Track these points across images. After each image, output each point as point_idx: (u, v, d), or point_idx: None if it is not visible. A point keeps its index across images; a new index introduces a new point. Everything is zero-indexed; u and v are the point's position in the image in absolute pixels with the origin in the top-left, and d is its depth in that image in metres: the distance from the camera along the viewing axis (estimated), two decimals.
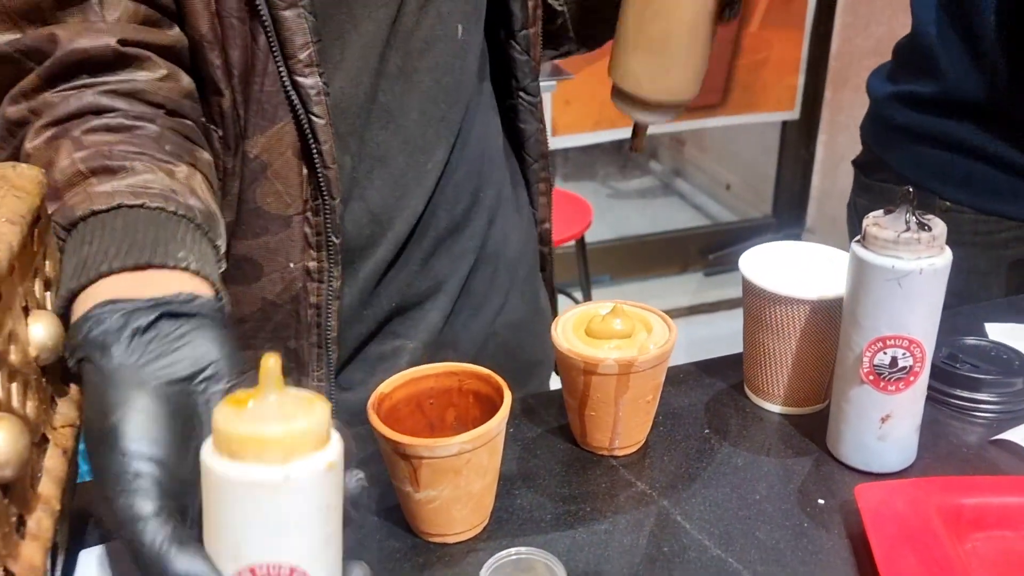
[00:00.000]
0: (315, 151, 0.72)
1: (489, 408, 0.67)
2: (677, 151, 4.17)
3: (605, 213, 3.74)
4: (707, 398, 0.85)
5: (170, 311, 0.49)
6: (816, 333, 0.77)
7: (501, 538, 0.69)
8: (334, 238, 0.76)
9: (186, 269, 0.53)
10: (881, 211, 0.69)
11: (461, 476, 0.64)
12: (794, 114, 3.24)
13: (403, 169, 0.81)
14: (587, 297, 2.64)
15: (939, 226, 0.66)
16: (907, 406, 0.71)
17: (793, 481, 0.73)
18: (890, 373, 0.69)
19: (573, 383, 0.74)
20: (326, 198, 0.74)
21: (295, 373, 0.81)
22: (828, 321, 0.77)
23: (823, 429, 0.77)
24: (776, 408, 0.82)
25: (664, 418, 0.82)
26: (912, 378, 0.69)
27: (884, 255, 0.66)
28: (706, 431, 0.80)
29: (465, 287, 0.90)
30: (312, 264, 0.77)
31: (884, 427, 0.72)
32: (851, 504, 0.69)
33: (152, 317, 0.48)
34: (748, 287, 0.79)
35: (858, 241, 0.69)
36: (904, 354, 0.68)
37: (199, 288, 0.52)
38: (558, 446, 0.79)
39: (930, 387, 0.81)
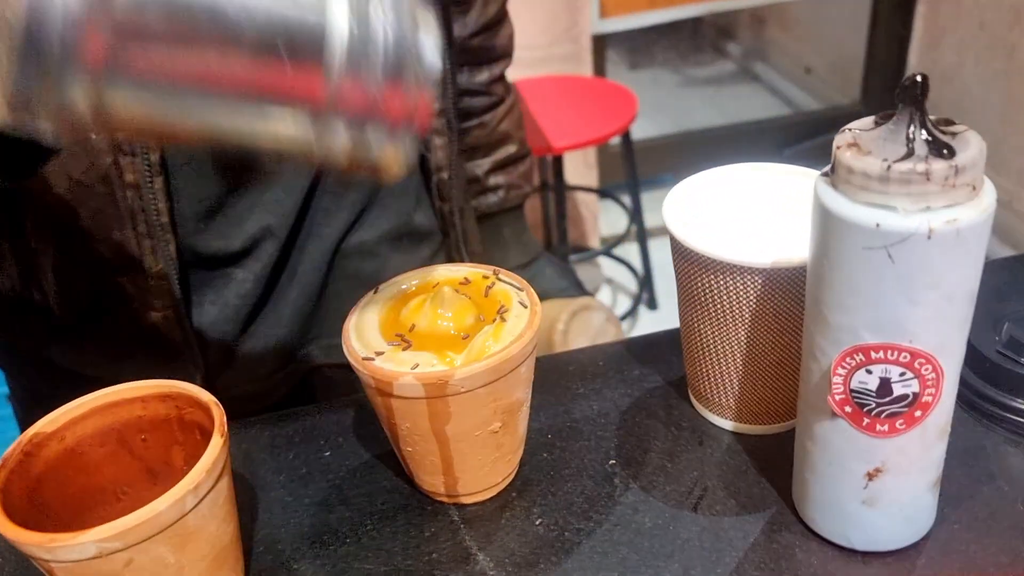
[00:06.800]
0: None
1: None
2: (758, 30, 3.70)
3: (673, 103, 3.36)
4: (629, 402, 0.57)
5: None
6: (777, 320, 0.48)
7: None
8: None
9: None
10: (870, 119, 0.39)
11: None
12: None
13: None
14: (635, 202, 2.32)
15: (971, 147, 0.36)
16: (912, 456, 0.42)
17: (725, 560, 0.46)
18: (880, 405, 0.40)
19: (375, 405, 0.48)
20: None
21: (129, 272, 0.62)
22: (795, 301, 0.47)
23: (792, 462, 0.49)
24: (726, 425, 0.54)
25: (554, 436, 0.55)
26: (920, 412, 0.40)
27: (864, 203, 0.36)
28: (611, 463, 0.52)
29: (301, 206, 0.68)
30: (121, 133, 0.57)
31: (873, 486, 0.43)
32: None
33: None
34: (673, 242, 0.50)
35: (825, 175, 0.39)
36: (903, 374, 0.39)
37: None
38: (382, 483, 0.53)
39: (972, 392, 0.52)
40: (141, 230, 0.60)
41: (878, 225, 0.36)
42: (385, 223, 0.73)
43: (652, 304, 2.45)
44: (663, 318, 2.41)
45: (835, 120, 3.00)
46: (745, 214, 0.52)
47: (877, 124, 0.38)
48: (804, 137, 2.96)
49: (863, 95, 2.99)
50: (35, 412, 0.67)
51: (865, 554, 0.45)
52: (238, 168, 0.63)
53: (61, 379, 0.69)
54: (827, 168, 0.39)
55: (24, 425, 0.73)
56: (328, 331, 0.73)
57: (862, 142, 0.37)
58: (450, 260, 0.78)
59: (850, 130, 0.38)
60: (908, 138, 0.36)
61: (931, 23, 2.69)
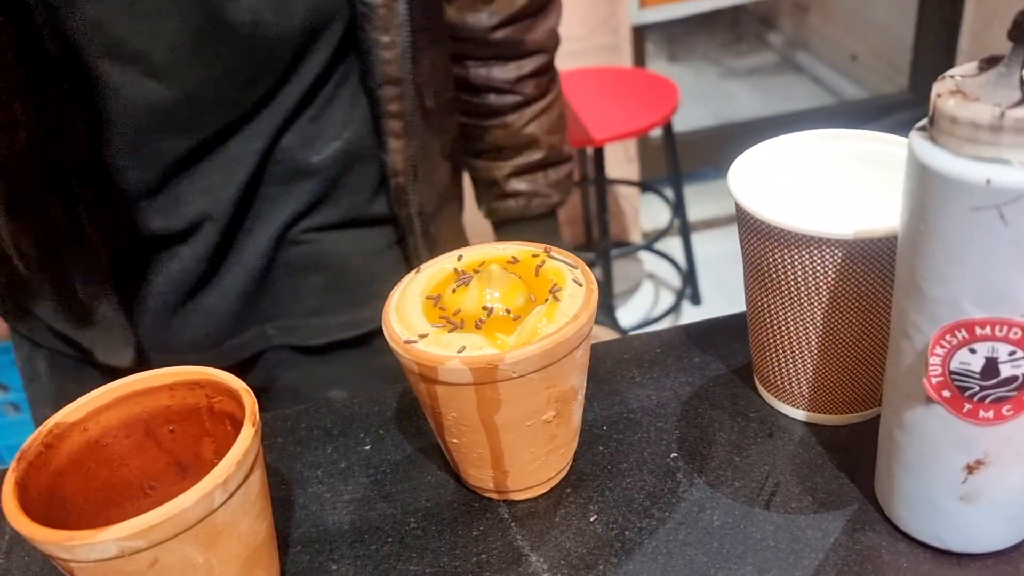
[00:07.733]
0: None
1: None
2: (800, 18, 3.62)
3: (714, 95, 3.29)
4: (691, 391, 0.53)
5: None
6: (859, 298, 0.43)
7: None
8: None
9: None
10: (972, 64, 0.34)
11: None
12: None
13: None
14: (678, 195, 2.27)
15: None
16: (1019, 446, 0.37)
17: (804, 562, 0.41)
18: (984, 388, 0.35)
19: (418, 393, 0.44)
20: None
21: (69, 243, 0.63)
22: (880, 276, 0.43)
23: (874, 455, 0.44)
24: (799, 415, 0.50)
25: (609, 428, 0.51)
26: None
27: (971, 157, 0.32)
28: (673, 456, 0.48)
29: (244, 193, 0.67)
30: None
31: (972, 480, 0.38)
32: None
33: None
34: (740, 214, 0.46)
35: (922, 129, 0.35)
36: (1013, 353, 0.34)
37: None
38: (426, 478, 0.49)
39: None
40: (81, 205, 0.60)
41: (989, 181, 0.31)
42: (335, 214, 0.71)
43: (696, 299, 2.40)
44: (707, 314, 2.34)
45: (882, 109, 2.92)
46: (817, 183, 0.48)
47: (982, 69, 0.34)
48: (851, 127, 2.87)
49: (911, 82, 2.91)
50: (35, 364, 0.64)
51: (961, 556, 0.40)
52: (178, 152, 0.63)
53: (45, 331, 0.71)
54: (923, 122, 0.35)
55: (26, 373, 0.74)
56: (284, 312, 0.72)
57: (967, 88, 0.33)
58: (409, 265, 0.75)
59: (951, 76, 0.34)
60: (1022, 79, 0.31)
61: (982, 6, 2.60)
